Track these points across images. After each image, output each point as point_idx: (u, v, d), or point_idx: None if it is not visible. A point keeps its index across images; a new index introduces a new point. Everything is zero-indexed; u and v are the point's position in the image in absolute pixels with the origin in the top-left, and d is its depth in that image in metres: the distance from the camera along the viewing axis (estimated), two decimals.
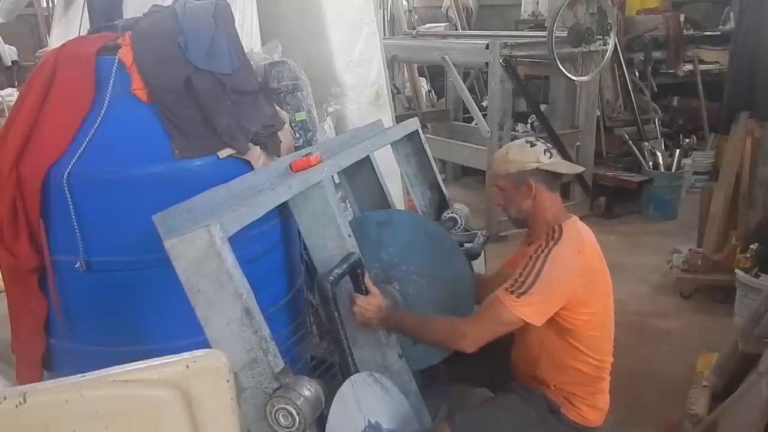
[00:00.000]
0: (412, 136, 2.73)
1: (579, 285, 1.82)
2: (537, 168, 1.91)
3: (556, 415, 1.94)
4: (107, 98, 1.97)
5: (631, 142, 5.35)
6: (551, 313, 1.82)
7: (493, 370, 2.14)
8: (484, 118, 4.83)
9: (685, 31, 6.03)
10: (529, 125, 5.79)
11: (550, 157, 1.93)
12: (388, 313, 1.97)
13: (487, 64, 4.74)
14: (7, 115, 2.16)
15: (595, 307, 1.88)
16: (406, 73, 6.47)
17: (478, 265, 2.90)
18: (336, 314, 1.87)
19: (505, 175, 1.96)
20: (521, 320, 1.80)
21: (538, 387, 1.98)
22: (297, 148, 2.46)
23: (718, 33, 6.25)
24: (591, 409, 1.96)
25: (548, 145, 1.98)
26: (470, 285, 2.20)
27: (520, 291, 1.79)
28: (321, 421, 1.63)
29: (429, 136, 5.60)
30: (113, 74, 1.99)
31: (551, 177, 1.94)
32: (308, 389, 1.54)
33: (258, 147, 2.12)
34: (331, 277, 1.85)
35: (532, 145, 1.95)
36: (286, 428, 1.51)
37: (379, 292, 1.99)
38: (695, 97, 6.08)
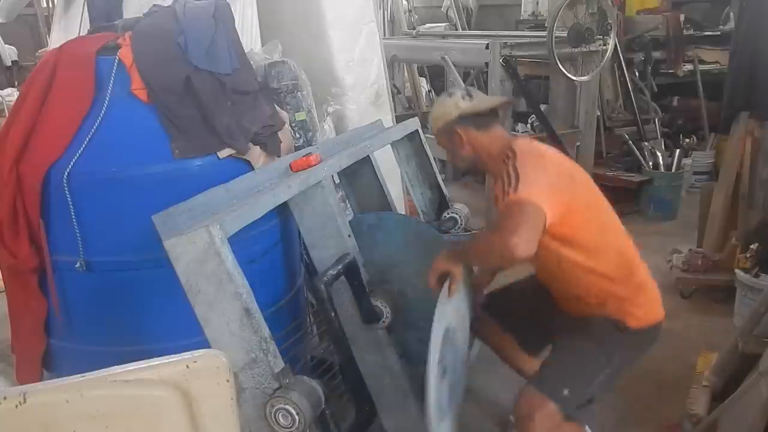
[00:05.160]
0: (413, 136, 2.73)
1: (554, 177, 1.82)
2: (460, 115, 1.95)
3: (623, 328, 1.91)
4: (107, 98, 1.98)
5: (631, 142, 5.34)
6: (549, 198, 1.76)
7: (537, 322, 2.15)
8: None
9: (685, 31, 6.02)
10: (529, 125, 5.79)
11: (471, 100, 1.95)
12: (449, 254, 1.88)
13: (487, 64, 4.73)
14: (7, 115, 2.16)
15: (583, 211, 1.87)
16: (406, 73, 6.46)
17: None
18: (333, 314, 1.87)
19: (437, 132, 2.03)
20: (531, 202, 1.72)
21: (591, 312, 1.95)
22: (297, 148, 2.46)
23: (718, 33, 6.24)
24: (644, 306, 1.93)
25: (468, 89, 2.03)
26: (468, 286, 2.19)
27: (514, 187, 1.75)
28: (322, 419, 1.63)
29: (429, 136, 5.59)
30: (113, 74, 2.00)
31: (479, 118, 1.96)
32: (308, 389, 1.54)
33: (258, 147, 2.13)
34: (326, 278, 1.85)
35: (451, 95, 2.00)
36: (286, 428, 1.51)
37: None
38: (695, 97, 6.07)
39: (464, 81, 5.37)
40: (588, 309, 1.96)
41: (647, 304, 1.96)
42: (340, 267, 1.90)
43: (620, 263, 1.93)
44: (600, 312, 1.94)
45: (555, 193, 1.80)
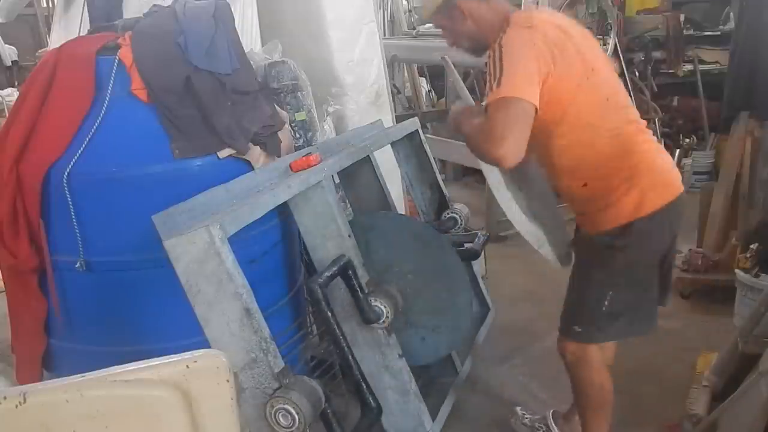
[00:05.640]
0: (413, 136, 2.73)
1: (543, 54, 1.73)
2: None
3: (615, 248, 1.87)
4: (107, 98, 1.98)
5: None
6: (537, 83, 1.71)
7: None
8: None
9: (685, 31, 6.02)
10: None
11: None
12: (454, 120, 1.92)
13: (486, 64, 4.73)
14: (7, 115, 2.17)
15: (569, 83, 1.78)
16: (406, 73, 6.46)
17: (478, 265, 2.91)
18: (329, 315, 1.87)
19: (436, 12, 1.93)
20: (518, 97, 1.68)
21: (592, 227, 1.92)
22: (297, 148, 2.47)
23: (718, 33, 6.23)
24: (636, 197, 1.83)
25: None
26: (464, 275, 2.20)
27: (497, 82, 1.70)
28: (325, 418, 1.63)
29: (429, 136, 5.59)
30: (113, 74, 2.00)
31: None
32: (308, 389, 1.54)
33: (258, 147, 2.13)
34: (320, 280, 1.85)
35: None
36: (286, 428, 1.51)
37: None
38: (695, 97, 6.07)
39: (464, 81, 5.37)
40: (585, 215, 1.94)
41: (639, 195, 1.84)
42: (335, 269, 1.90)
43: (615, 143, 1.83)
44: (596, 227, 1.90)
45: (538, 65, 1.72)
